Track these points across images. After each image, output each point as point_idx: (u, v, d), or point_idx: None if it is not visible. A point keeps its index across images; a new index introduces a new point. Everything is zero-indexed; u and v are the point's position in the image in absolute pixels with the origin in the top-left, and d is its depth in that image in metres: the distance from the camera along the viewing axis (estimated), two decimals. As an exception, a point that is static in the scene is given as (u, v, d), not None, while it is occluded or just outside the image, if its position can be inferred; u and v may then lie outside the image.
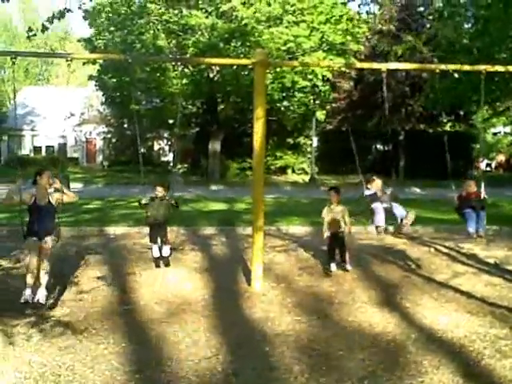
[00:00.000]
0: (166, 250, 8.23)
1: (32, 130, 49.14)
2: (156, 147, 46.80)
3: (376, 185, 8.46)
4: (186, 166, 40.09)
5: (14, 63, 6.72)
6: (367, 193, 8.37)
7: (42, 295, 6.28)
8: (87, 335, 5.44)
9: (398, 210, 8.25)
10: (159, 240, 8.19)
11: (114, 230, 11.87)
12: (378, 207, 8.22)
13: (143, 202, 8.09)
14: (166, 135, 44.61)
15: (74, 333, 5.49)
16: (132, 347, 5.16)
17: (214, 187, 27.75)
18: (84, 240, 10.94)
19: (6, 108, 54.97)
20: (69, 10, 7.70)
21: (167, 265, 8.33)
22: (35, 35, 8.13)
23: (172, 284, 7.40)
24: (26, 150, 48.93)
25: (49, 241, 6.77)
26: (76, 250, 9.74)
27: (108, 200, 18.78)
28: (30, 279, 6.38)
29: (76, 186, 22.35)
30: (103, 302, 6.63)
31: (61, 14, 7.69)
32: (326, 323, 5.92)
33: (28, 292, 6.26)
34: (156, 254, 8.22)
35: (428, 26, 31.78)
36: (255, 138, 7.18)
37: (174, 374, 4.58)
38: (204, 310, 6.35)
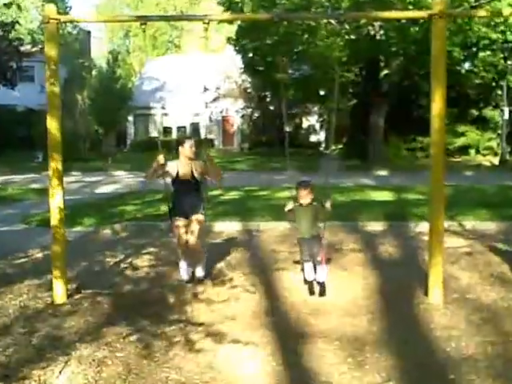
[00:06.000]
0: (321, 273, 7.31)
1: (162, 108, 50.93)
2: (305, 124, 47.25)
3: None
4: (340, 146, 40.10)
5: (144, 30, 7.09)
6: None
7: (200, 274, 7.55)
8: (231, 349, 5.59)
9: None
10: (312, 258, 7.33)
11: (256, 225, 12.19)
12: None
13: (288, 208, 7.41)
14: (316, 109, 44.91)
15: (216, 345, 5.67)
16: (283, 366, 5.21)
17: (377, 172, 27.49)
18: (222, 236, 11.35)
19: (131, 83, 57.81)
20: None
21: (322, 293, 7.29)
22: None
23: (328, 291, 7.40)
24: (154, 131, 50.98)
25: (197, 218, 7.42)
26: (214, 247, 10.09)
27: (249, 189, 19.27)
28: (182, 263, 7.51)
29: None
30: (249, 309, 6.82)
31: None
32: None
33: (184, 275, 7.51)
34: (310, 276, 7.36)
35: None
36: (433, 110, 6.95)
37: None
38: (370, 325, 6.30)
